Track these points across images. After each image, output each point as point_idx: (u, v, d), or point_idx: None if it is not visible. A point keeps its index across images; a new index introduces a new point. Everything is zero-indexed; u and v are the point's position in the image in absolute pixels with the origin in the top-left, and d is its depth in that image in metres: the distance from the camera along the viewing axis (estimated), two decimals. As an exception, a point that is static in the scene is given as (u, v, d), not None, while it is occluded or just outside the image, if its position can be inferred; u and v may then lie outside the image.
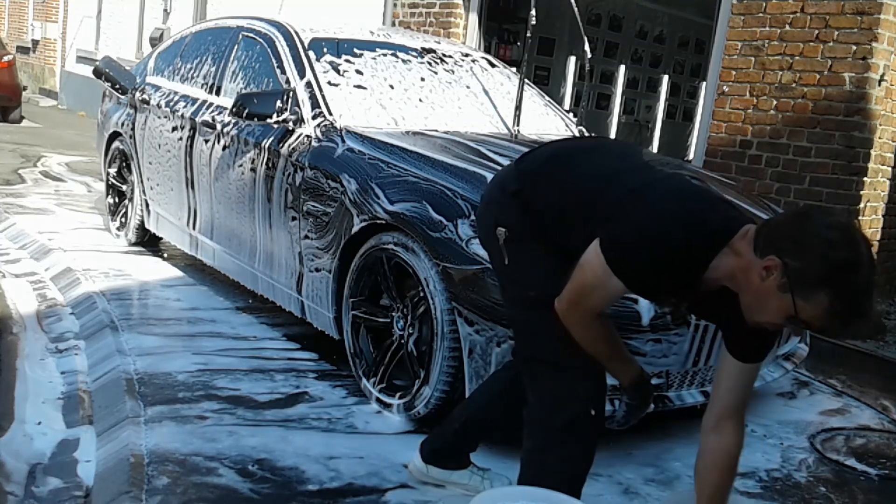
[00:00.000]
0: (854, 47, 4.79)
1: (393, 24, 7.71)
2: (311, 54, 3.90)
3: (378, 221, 3.07)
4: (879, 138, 4.95)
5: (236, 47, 4.38)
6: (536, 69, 8.67)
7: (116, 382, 3.11)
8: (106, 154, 5.43)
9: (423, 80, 4.07)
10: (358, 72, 3.92)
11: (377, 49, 4.13)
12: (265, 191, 3.71)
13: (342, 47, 4.03)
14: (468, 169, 3.04)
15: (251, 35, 4.30)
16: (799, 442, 3.20)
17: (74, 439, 2.76)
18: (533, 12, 4.49)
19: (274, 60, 4.01)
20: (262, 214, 3.75)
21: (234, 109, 3.69)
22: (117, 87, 5.23)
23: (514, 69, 4.76)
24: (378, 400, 3.09)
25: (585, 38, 4.67)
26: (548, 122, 4.40)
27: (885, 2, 4.70)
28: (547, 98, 4.70)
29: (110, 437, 2.72)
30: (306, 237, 3.45)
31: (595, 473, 2.45)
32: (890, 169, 5.17)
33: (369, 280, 3.17)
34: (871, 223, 5.09)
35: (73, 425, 2.87)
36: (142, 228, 5.11)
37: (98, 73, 5.30)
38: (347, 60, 3.96)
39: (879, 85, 4.82)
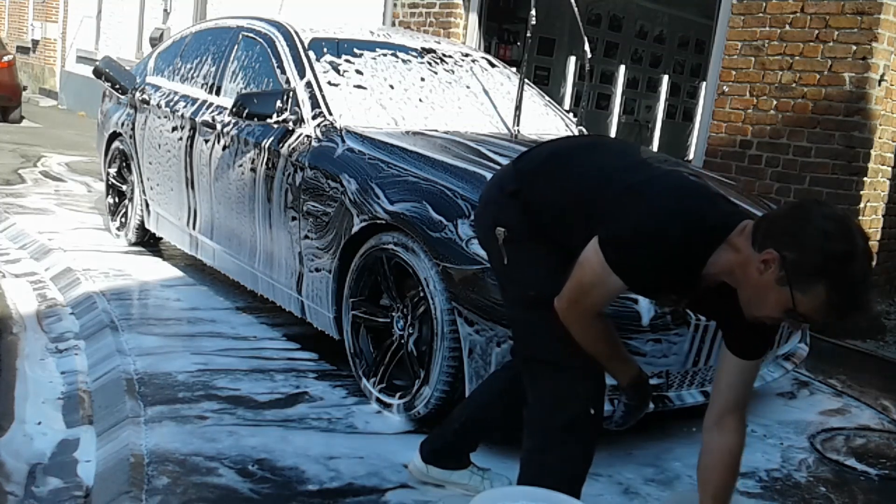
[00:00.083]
0: (854, 47, 4.78)
1: (393, 24, 7.71)
2: (311, 54, 3.91)
3: (378, 221, 3.08)
4: (879, 138, 4.95)
5: (236, 47, 4.38)
6: (536, 69, 8.67)
7: (116, 382, 3.11)
8: (106, 154, 5.43)
9: (423, 80, 4.07)
10: (358, 72, 3.92)
11: (377, 49, 4.14)
12: (265, 191, 3.71)
13: (342, 47, 4.03)
14: (468, 169, 3.04)
15: (251, 35, 4.30)
16: (799, 442, 3.20)
17: (74, 439, 2.76)
18: (533, 12, 4.48)
19: (274, 60, 4.01)
20: (262, 214, 3.75)
21: (234, 109, 3.69)
22: (117, 87, 5.23)
23: (514, 69, 4.76)
24: (378, 400, 3.09)
25: (585, 38, 4.67)
26: (548, 122, 4.39)
27: (885, 2, 4.70)
28: (547, 98, 4.70)
29: (110, 437, 2.72)
30: (306, 237, 3.45)
31: (595, 473, 2.46)
32: (890, 169, 5.17)
33: (369, 280, 3.17)
34: (871, 223, 5.08)
35: (73, 425, 2.86)
36: (142, 228, 5.11)
37: (98, 73, 5.30)
38: (347, 60, 3.96)
39: (879, 85, 4.81)
